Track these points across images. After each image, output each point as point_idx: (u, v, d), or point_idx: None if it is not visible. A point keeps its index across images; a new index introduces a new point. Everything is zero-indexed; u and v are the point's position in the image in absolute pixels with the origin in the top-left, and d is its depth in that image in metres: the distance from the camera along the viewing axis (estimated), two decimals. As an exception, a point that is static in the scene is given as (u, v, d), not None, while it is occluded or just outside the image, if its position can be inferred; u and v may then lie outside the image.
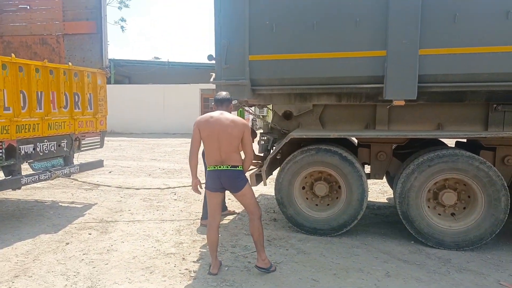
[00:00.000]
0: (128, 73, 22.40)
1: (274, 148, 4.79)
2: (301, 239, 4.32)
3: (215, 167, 3.33)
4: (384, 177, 5.56)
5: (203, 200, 4.88)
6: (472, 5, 3.82)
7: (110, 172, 8.41)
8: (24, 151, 4.78)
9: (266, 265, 3.43)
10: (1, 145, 4.45)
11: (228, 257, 3.81)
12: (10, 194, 6.16)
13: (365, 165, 4.86)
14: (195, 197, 5.97)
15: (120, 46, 58.01)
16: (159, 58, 25.48)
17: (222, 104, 3.49)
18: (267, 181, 4.63)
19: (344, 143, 5.09)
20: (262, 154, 5.18)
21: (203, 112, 18.26)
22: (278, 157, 5.11)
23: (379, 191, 6.74)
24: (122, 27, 33.15)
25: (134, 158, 10.73)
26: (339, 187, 4.44)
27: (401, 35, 3.92)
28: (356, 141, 5.13)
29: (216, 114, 3.37)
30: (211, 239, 3.43)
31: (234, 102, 4.65)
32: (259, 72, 4.41)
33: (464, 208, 4.14)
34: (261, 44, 4.35)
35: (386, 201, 6.14)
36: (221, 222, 4.74)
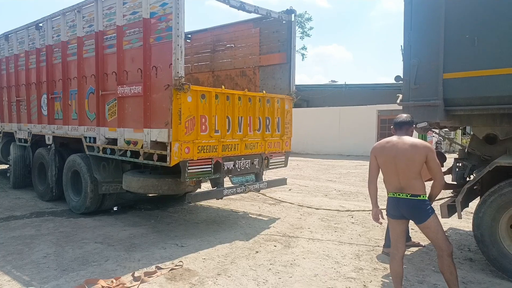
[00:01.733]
0: (307, 97, 23.69)
1: (472, 176, 4.19)
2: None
3: (394, 194, 3.16)
4: None
5: (386, 227, 4.67)
6: None
7: (289, 189, 8.98)
8: (227, 167, 5.63)
9: None
10: (211, 161, 5.36)
11: (415, 293, 3.50)
12: (212, 203, 7.32)
13: None
14: (374, 223, 5.73)
15: (299, 72, 62.36)
16: (335, 81, 26.14)
17: (402, 127, 3.30)
18: (462, 213, 4.08)
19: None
20: (455, 183, 4.60)
21: (379, 134, 17.66)
22: (475, 187, 4.47)
23: None
24: (303, 55, 35.53)
25: (310, 178, 11.17)
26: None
27: None
28: None
29: (394, 138, 3.21)
30: (395, 270, 3.24)
31: (423, 124, 4.34)
32: (455, 91, 4.03)
33: None
34: (459, 60, 3.98)
35: None
36: (405, 253, 4.42)
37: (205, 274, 3.97)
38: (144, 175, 5.70)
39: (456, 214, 4.11)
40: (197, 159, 5.16)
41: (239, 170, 5.84)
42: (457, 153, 4.88)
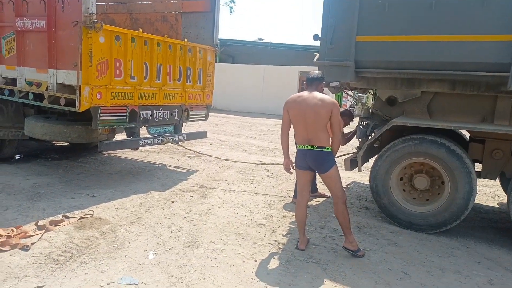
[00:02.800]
0: (233, 52, 23.37)
1: (373, 134, 4.63)
2: (393, 231, 4.17)
3: (302, 146, 3.37)
4: (498, 179, 5.00)
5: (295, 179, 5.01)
6: None
7: (210, 144, 9.03)
8: (143, 116, 5.41)
9: (353, 247, 3.41)
10: (126, 109, 5.10)
11: (316, 236, 3.87)
12: (128, 154, 7.07)
13: (476, 163, 4.42)
14: (287, 176, 6.11)
15: (226, 27, 60.69)
16: (262, 39, 26.06)
17: (312, 83, 3.46)
18: (362, 168, 4.53)
19: (452, 136, 4.70)
20: (359, 139, 5.05)
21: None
22: (376, 144, 4.95)
23: (489, 194, 6.06)
24: (231, 8, 34.48)
25: (232, 134, 11.32)
26: (442, 182, 4.13)
27: None
28: (467, 135, 4.67)
29: (305, 94, 3.37)
30: (299, 216, 3.52)
31: (335, 83, 4.60)
32: (365, 53, 4.27)
33: None
34: (371, 24, 4.20)
35: (497, 205, 5.50)
36: (311, 203, 4.83)
37: (117, 223, 3.90)
38: (49, 121, 5.24)
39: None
40: (111, 106, 4.86)
41: (157, 120, 5.66)
42: (362, 112, 5.30)
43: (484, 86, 4.00)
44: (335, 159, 3.42)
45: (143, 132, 5.69)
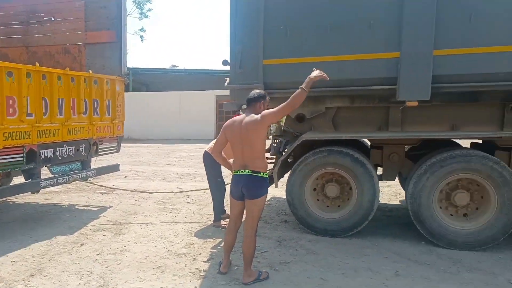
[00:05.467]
0: (146, 81, 22.86)
1: (286, 150, 4.80)
2: (311, 240, 4.33)
3: (237, 172, 3.22)
4: (397, 179, 5.51)
5: (213, 202, 4.96)
6: (487, 4, 3.77)
7: (125, 176, 8.57)
8: (44, 155, 4.94)
9: (253, 277, 3.28)
10: (23, 149, 4.61)
11: (238, 257, 3.82)
12: (29, 198, 6.37)
13: (378, 167, 4.84)
14: (208, 200, 6.03)
15: (139, 55, 59.24)
16: (176, 66, 25.94)
17: (250, 104, 3.30)
18: (279, 184, 4.65)
19: (357, 145, 5.10)
20: (274, 156, 5.21)
21: (218, 118, 18.52)
22: (290, 160, 5.13)
23: (392, 193, 6.67)
24: (141, 37, 33.84)
25: (149, 163, 10.91)
26: (350, 188, 4.43)
27: (416, 36, 3.89)
28: (369, 143, 5.10)
29: (240, 117, 3.25)
30: (228, 241, 3.44)
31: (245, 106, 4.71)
32: (272, 76, 4.44)
33: (477, 208, 4.08)
34: (275, 48, 4.39)
35: (399, 203, 6.08)
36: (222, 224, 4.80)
37: (14, 278, 3.45)
38: None
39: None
40: (3, 148, 4.36)
41: (60, 158, 5.21)
42: (274, 131, 5.48)
43: (378, 98, 4.37)
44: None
45: (46, 172, 5.20)
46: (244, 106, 4.66)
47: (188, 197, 6.45)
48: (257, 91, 3.41)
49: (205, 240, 4.43)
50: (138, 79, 22.05)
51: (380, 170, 4.85)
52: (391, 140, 4.56)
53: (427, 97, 3.93)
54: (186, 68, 22.16)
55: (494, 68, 3.79)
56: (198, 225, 5.01)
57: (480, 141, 4.84)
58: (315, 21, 4.23)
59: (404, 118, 4.48)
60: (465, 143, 4.98)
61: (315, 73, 3.25)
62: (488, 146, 4.47)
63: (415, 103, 4.02)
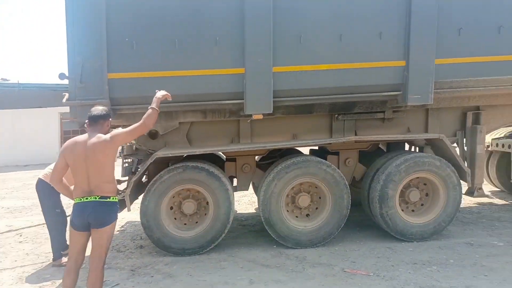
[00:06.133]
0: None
1: (139, 170, 4.59)
2: (168, 263, 4.21)
3: (81, 199, 2.88)
4: (252, 189, 5.90)
5: (51, 238, 4.35)
6: (313, 28, 4.30)
7: None
8: None
9: None
10: None
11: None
12: None
13: (235, 178, 5.03)
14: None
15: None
16: (7, 80, 22.18)
17: (97, 122, 2.99)
18: (132, 207, 4.41)
19: (213, 159, 5.20)
20: (126, 178, 4.93)
21: (62, 139, 16.50)
22: (144, 180, 4.94)
23: (248, 202, 7.06)
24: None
25: (-28, 197, 8.96)
26: (207, 203, 4.47)
27: (257, 54, 4.22)
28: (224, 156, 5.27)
29: (84, 137, 2.93)
30: (68, 283, 2.95)
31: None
32: (119, 90, 4.24)
33: (317, 208, 4.63)
34: (121, 61, 4.21)
35: (255, 211, 6.47)
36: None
37: None
38: None
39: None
40: None
41: None
42: (125, 150, 5.17)
43: (228, 112, 4.58)
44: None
45: None
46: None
47: (21, 235, 5.48)
48: (100, 107, 3.14)
49: (41, 284, 3.84)
50: None
51: (235, 182, 5.08)
52: (242, 152, 4.82)
53: (270, 110, 4.31)
54: (19, 82, 19.16)
55: (322, 83, 4.35)
56: (32, 267, 4.30)
57: (316, 147, 5.59)
58: (162, 35, 4.21)
59: (253, 130, 4.81)
60: (307, 150, 5.66)
61: (161, 92, 3.26)
62: (323, 152, 5.21)
63: (260, 116, 4.36)
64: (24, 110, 16.89)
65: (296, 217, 4.60)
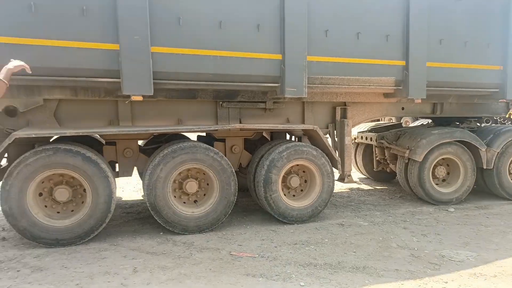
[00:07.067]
0: None
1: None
2: (38, 255, 3.72)
3: None
4: (138, 174, 5.52)
5: None
6: (193, 12, 4.12)
7: None
8: None
9: None
10: None
11: None
12: None
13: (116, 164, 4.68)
14: None
15: None
16: None
17: None
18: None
19: (90, 142, 4.74)
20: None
21: None
22: (5, 164, 4.25)
23: (133, 189, 6.68)
24: None
25: None
26: (84, 190, 4.06)
27: (133, 31, 3.88)
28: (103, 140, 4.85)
29: None
30: None
31: None
32: None
33: (204, 194, 4.58)
34: None
35: (141, 197, 6.14)
36: None
37: None
38: None
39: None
40: None
41: None
42: None
43: (104, 91, 4.19)
44: None
45: None
46: None
47: None
48: None
49: None
50: None
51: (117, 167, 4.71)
52: (123, 136, 4.49)
53: (150, 92, 4.02)
54: None
55: (203, 68, 4.22)
56: None
57: (204, 134, 5.51)
58: None
59: (134, 112, 4.53)
60: (194, 136, 5.54)
61: (15, 63, 2.82)
62: (209, 138, 5.16)
63: (140, 98, 4.06)
64: None
65: (184, 203, 4.48)
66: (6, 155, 4.30)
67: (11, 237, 4.21)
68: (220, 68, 4.31)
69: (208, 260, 3.66)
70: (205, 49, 4.22)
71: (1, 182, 3.82)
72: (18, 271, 3.38)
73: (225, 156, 4.57)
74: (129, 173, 4.69)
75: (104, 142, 4.72)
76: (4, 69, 2.72)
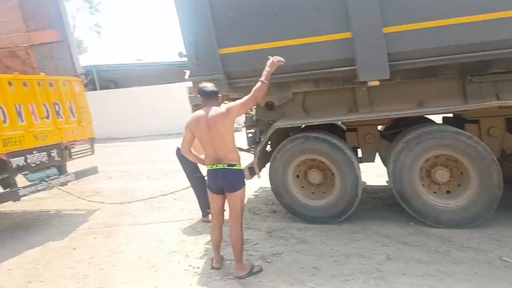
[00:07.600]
0: (113, 77, 22.18)
1: (262, 140, 4.69)
2: (301, 229, 4.31)
3: (212, 167, 3.22)
4: (380, 160, 5.42)
5: (198, 197, 4.91)
6: None
7: (110, 177, 8.40)
8: (16, 164, 4.79)
9: (246, 270, 3.34)
10: (-8, 159, 4.44)
11: (230, 251, 3.78)
12: (15, 207, 6.17)
13: (359, 149, 4.80)
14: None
15: (101, 52, 56.76)
16: (141, 60, 25.27)
17: (212, 96, 3.26)
18: (261, 174, 4.62)
19: (333, 129, 5.02)
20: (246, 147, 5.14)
21: (194, 111, 18.08)
22: (269, 149, 5.06)
23: (376, 174, 6.64)
24: (98, 32, 32.36)
25: (132, 162, 10.67)
26: (333, 174, 4.39)
27: (363, 16, 3.80)
28: (345, 126, 5.08)
29: (202, 112, 3.20)
30: (214, 238, 3.46)
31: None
32: (232, 65, 4.26)
33: (459, 185, 4.07)
34: (229, 36, 4.18)
35: (385, 183, 6.08)
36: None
37: (12, 286, 3.44)
38: None
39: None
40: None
41: (34, 165, 5.06)
42: (246, 121, 5.34)
43: (341, 80, 4.27)
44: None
45: (23, 180, 5.03)
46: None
47: (175, 194, 6.33)
48: (209, 83, 3.36)
49: (196, 236, 4.44)
50: (103, 77, 21.34)
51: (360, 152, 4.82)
52: (362, 122, 4.54)
53: (386, 75, 3.87)
54: (152, 61, 21.61)
55: (444, 41, 3.73)
56: (188, 222, 4.99)
57: (451, 115, 4.83)
58: (262, 6, 4.07)
59: (372, 97, 4.44)
60: (438, 118, 5.09)
61: (271, 60, 3.27)
62: (458, 120, 4.53)
63: (377, 83, 3.97)
64: (158, 86, 19.02)
65: (434, 193, 4.15)
66: (269, 142, 5.15)
67: (279, 210, 5.00)
68: (465, 37, 3.70)
69: (472, 261, 3.29)
70: (448, 18, 3.69)
71: (268, 164, 4.65)
72: (287, 240, 4.06)
73: (481, 140, 3.96)
74: (371, 159, 4.79)
75: (345, 128, 4.98)
76: (264, 72, 3.22)
